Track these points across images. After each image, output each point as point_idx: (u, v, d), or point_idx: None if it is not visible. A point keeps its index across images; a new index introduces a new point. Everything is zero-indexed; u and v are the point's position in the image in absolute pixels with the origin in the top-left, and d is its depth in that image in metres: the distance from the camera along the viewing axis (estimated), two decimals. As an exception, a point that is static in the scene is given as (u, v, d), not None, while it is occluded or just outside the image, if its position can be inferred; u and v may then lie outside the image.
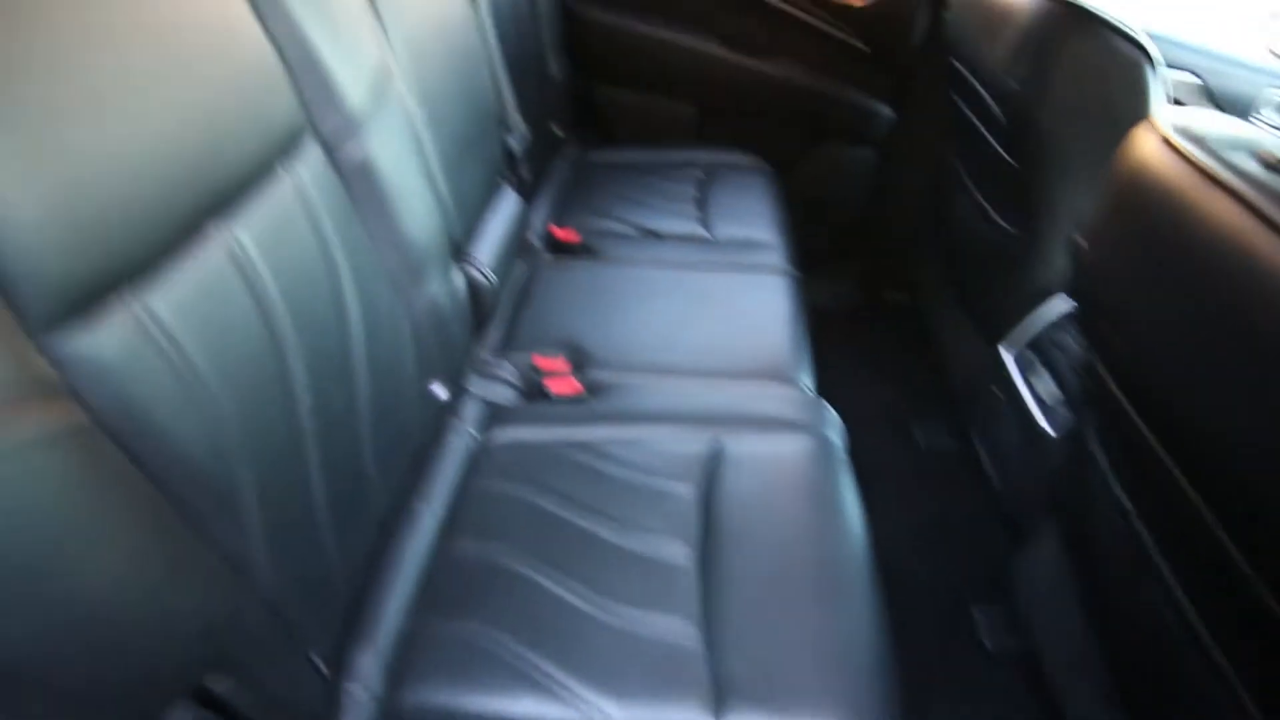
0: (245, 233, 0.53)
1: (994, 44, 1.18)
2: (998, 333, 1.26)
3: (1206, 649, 0.62)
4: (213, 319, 0.50)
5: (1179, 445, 0.64)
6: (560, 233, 1.25)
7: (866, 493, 1.23)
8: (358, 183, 0.68)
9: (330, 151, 0.65)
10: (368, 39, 0.71)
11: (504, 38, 1.18)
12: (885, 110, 1.65)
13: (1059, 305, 1.13)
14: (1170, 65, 1.54)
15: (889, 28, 1.57)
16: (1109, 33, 0.98)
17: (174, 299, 0.46)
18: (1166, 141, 0.66)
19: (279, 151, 0.58)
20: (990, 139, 1.24)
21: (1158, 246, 0.66)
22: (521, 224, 1.16)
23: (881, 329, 1.80)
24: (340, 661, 0.64)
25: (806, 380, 1.02)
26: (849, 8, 1.57)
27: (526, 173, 1.20)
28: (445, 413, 0.89)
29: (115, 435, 0.41)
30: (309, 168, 0.61)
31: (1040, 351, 1.15)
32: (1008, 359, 1.18)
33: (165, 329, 0.45)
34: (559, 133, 1.52)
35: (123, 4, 0.46)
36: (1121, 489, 0.78)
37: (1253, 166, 0.58)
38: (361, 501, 0.69)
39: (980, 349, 1.32)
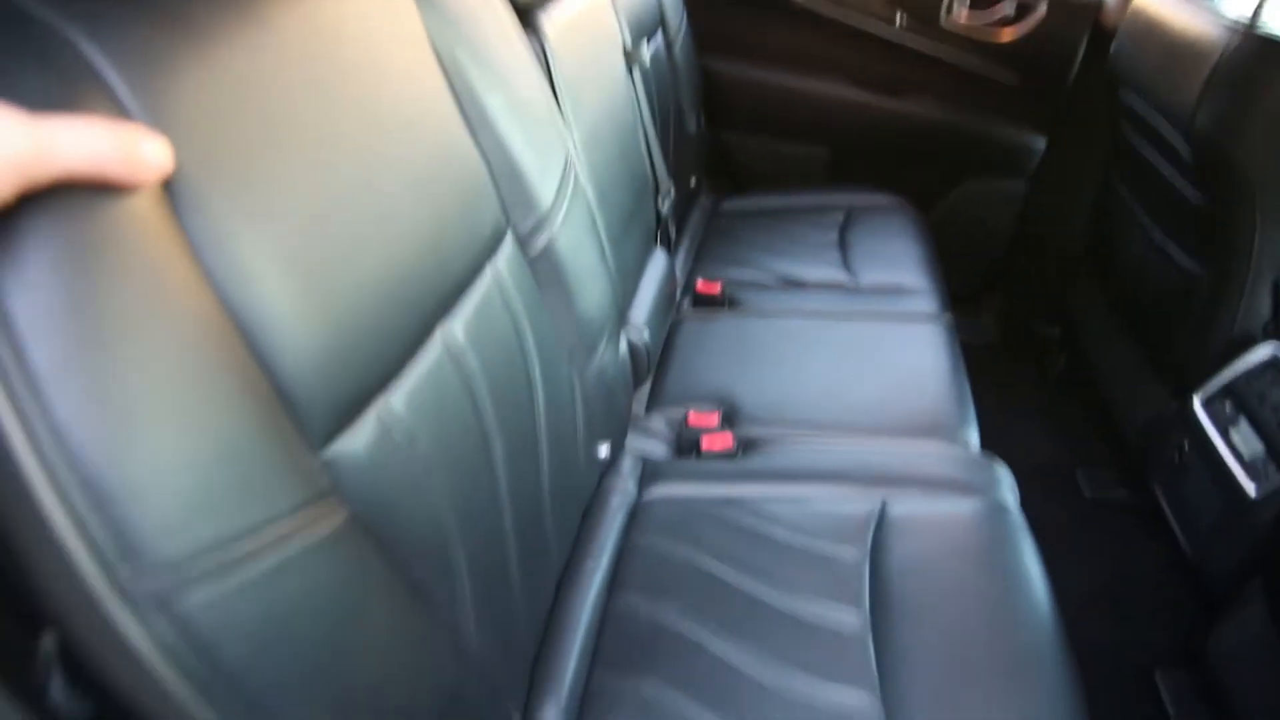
0: (459, 327, 0.59)
1: (1177, 76, 1.10)
2: (1181, 378, 1.16)
3: None
4: (436, 409, 0.55)
5: None
6: (704, 286, 1.28)
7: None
8: (543, 269, 0.74)
9: (522, 244, 0.71)
10: (555, 138, 0.77)
11: (650, 98, 1.24)
12: (1038, 141, 1.57)
13: (1261, 352, 1.02)
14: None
15: (1043, 59, 1.51)
16: None
17: (408, 396, 0.52)
18: None
19: (488, 253, 0.64)
20: (1170, 174, 1.15)
21: None
22: (670, 281, 1.20)
23: (1032, 366, 1.69)
24: (530, 713, 0.68)
25: (972, 436, 0.98)
26: (993, 43, 1.52)
27: (675, 232, 1.24)
28: (606, 471, 0.93)
29: (370, 529, 0.46)
30: (507, 262, 0.67)
31: (1239, 402, 1.04)
32: (1200, 411, 1.08)
33: (403, 425, 0.51)
34: (694, 184, 1.57)
35: (364, 119, 0.51)
36: None
37: None
38: (544, 560, 0.74)
39: (1159, 394, 1.22)
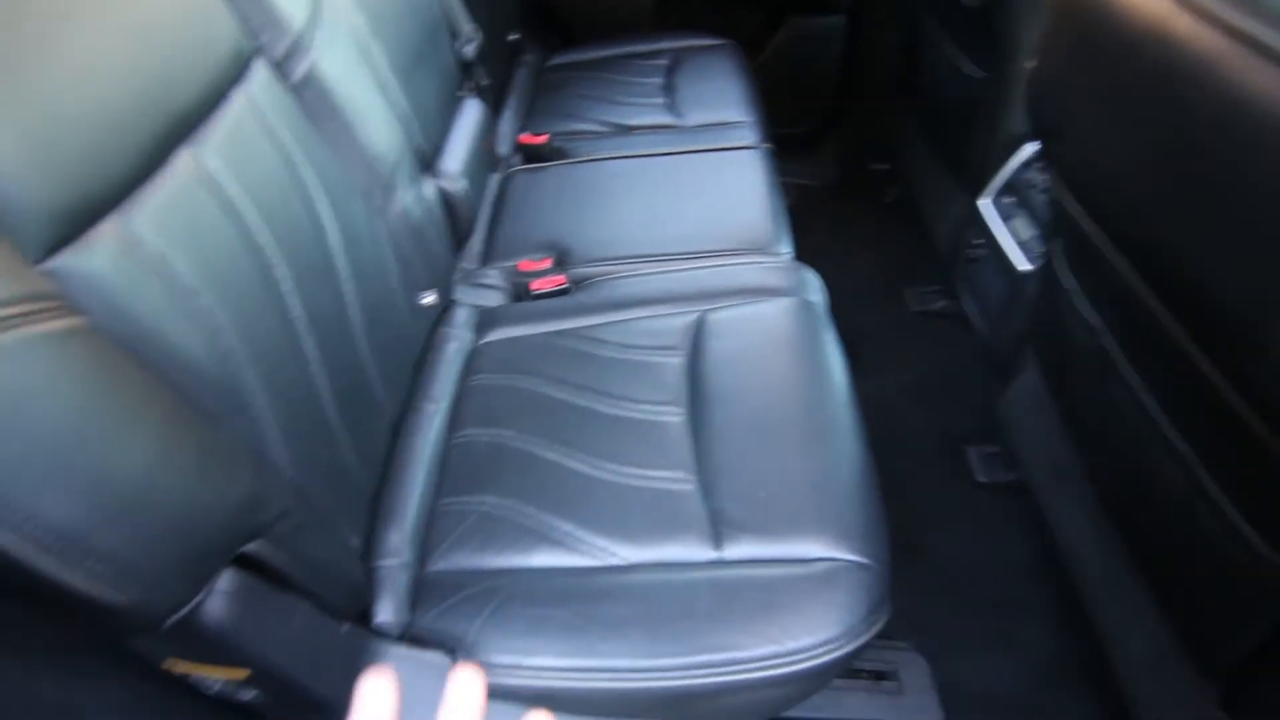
0: (212, 155, 0.56)
1: None
2: (977, 184, 1.27)
3: (1171, 442, 0.66)
4: (193, 235, 0.53)
5: (1139, 256, 0.67)
6: (529, 139, 1.25)
7: (860, 355, 1.28)
8: (311, 98, 0.70)
9: (280, 70, 0.67)
10: None
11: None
12: None
13: (1030, 147, 1.13)
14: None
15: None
16: None
17: (154, 220, 0.50)
18: None
19: (230, 76, 0.60)
20: None
21: (1100, 57, 0.66)
22: (488, 133, 1.16)
23: (867, 200, 1.80)
24: (371, 542, 0.70)
25: (786, 248, 1.04)
26: None
27: (486, 79, 1.19)
28: (439, 322, 0.93)
29: (119, 341, 0.45)
30: (261, 88, 0.63)
31: (1018, 195, 1.16)
32: (986, 209, 1.19)
33: (149, 247, 0.49)
34: (518, 39, 1.49)
35: None
36: (1091, 307, 0.81)
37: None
38: (369, 403, 0.74)
39: (961, 203, 1.33)
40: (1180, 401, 0.66)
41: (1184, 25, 0.52)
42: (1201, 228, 0.56)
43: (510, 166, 1.24)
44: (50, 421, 0.38)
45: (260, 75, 0.64)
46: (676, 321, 0.90)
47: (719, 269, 0.99)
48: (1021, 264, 1.09)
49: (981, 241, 1.21)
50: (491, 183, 1.19)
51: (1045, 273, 0.95)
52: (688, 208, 1.10)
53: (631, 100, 1.37)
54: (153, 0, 0.54)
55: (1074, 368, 0.88)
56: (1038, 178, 1.09)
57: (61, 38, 0.46)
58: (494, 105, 1.31)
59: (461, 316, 0.96)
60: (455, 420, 0.83)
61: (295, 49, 0.68)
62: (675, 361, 0.85)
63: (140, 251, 0.49)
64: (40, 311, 0.39)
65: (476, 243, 1.09)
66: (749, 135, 1.26)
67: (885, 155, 1.79)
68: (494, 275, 1.04)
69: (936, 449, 1.25)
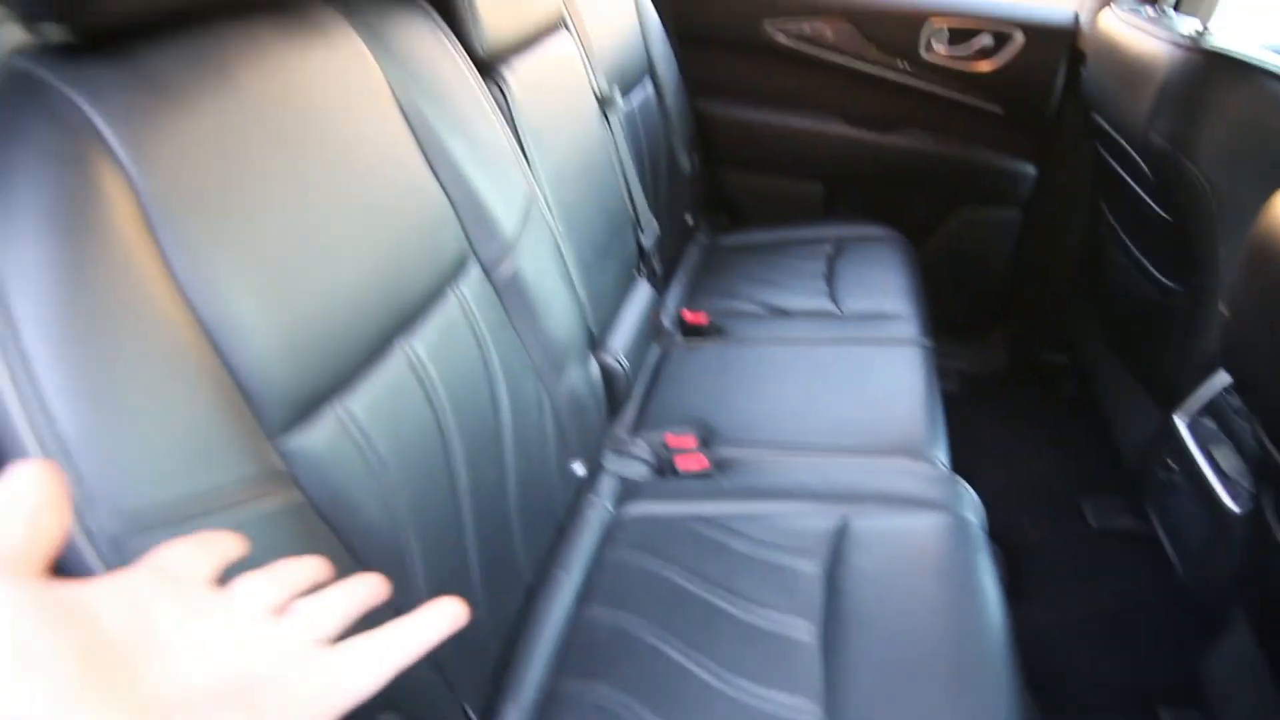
0: (420, 344, 0.66)
1: (1136, 97, 1.13)
2: (1170, 398, 1.15)
3: None
4: (394, 416, 0.62)
5: None
6: (690, 316, 1.33)
7: (1030, 578, 1.16)
8: (509, 293, 0.80)
9: (487, 271, 0.78)
10: (516, 173, 0.84)
11: (636, 142, 1.31)
12: (1028, 169, 1.60)
13: (1236, 369, 1.02)
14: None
15: (1024, 88, 1.54)
16: (1263, 78, 0.92)
17: (367, 402, 0.59)
18: None
19: (449, 276, 0.71)
20: (1140, 193, 1.17)
21: None
22: (653, 311, 1.25)
23: (1040, 393, 1.68)
24: (489, 713, 0.71)
25: (940, 456, 0.99)
26: (977, 74, 1.56)
27: (658, 264, 1.30)
28: (584, 488, 0.98)
29: (323, 513, 0.52)
30: (471, 287, 0.74)
31: (1219, 419, 1.03)
32: (1182, 428, 1.07)
33: (360, 426, 0.58)
34: (690, 221, 1.63)
35: (326, 161, 0.59)
36: None
37: None
38: (510, 567, 0.78)
39: (1152, 416, 1.21)
40: None
41: None
42: None
43: (670, 340, 1.32)
44: None
45: (473, 274, 0.75)
46: (817, 523, 0.88)
47: (867, 470, 0.97)
48: (1228, 502, 0.95)
49: (1175, 466, 1.08)
50: (650, 354, 1.27)
51: (1256, 519, 0.83)
52: (839, 400, 1.10)
53: (792, 284, 1.43)
54: (397, 209, 0.66)
55: None
56: (1243, 406, 0.98)
57: (319, 242, 0.56)
58: (662, 281, 1.43)
59: (606, 485, 1.00)
60: (586, 594, 0.85)
61: (503, 252, 0.79)
62: (812, 569, 0.82)
63: (351, 430, 0.57)
64: (272, 487, 0.47)
65: (629, 412, 1.16)
66: (909, 329, 1.26)
67: (1061, 347, 1.69)
68: (641, 446, 1.08)
69: (1120, 705, 1.06)
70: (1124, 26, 1.22)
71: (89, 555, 0.39)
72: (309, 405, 0.53)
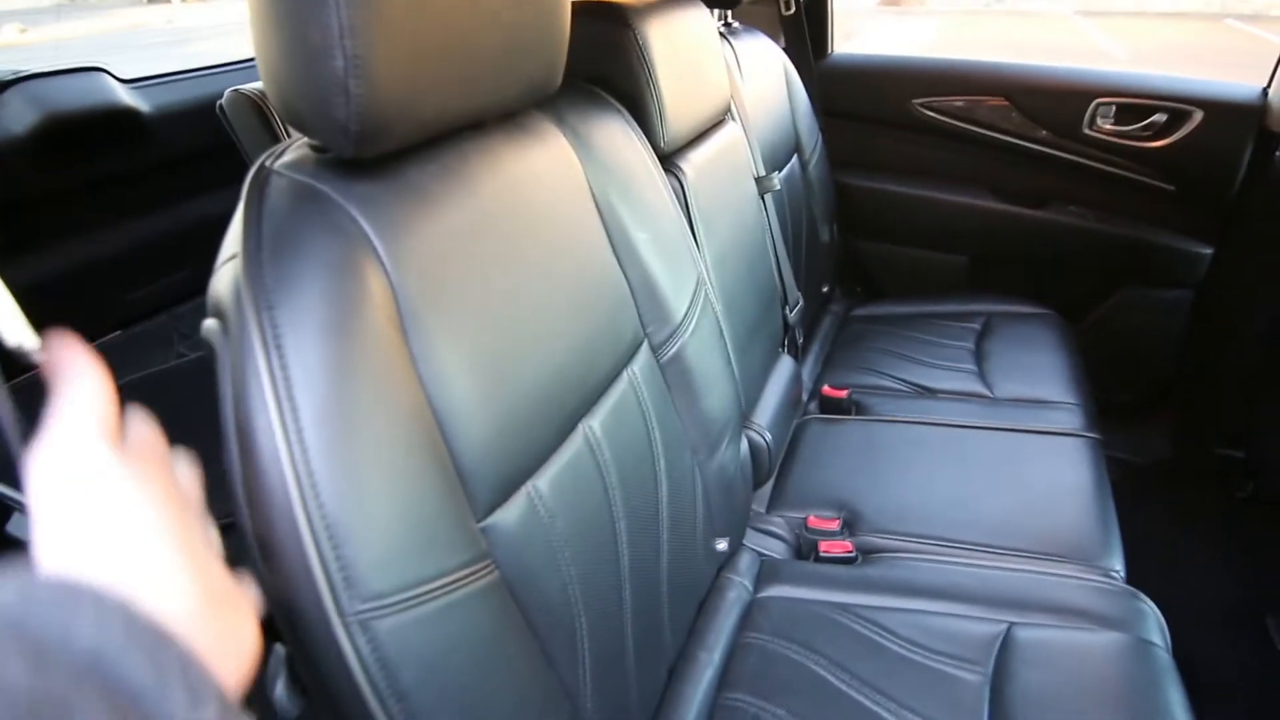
0: (597, 423, 0.69)
1: None
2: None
3: None
4: (573, 493, 0.64)
5: None
6: (831, 391, 1.32)
7: (1210, 709, 1.03)
8: (673, 373, 0.83)
9: (656, 353, 0.81)
10: (689, 262, 0.88)
11: (782, 216, 1.34)
12: (1202, 249, 1.48)
13: None
14: None
15: (1202, 167, 1.45)
16: None
17: (552, 481, 0.62)
18: None
19: (626, 360, 0.74)
20: None
21: None
22: (796, 386, 1.25)
23: (1213, 491, 1.52)
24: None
25: (1115, 565, 0.92)
26: (1146, 149, 1.48)
27: (802, 338, 1.30)
28: (724, 567, 0.97)
29: (513, 590, 0.55)
30: (641, 367, 0.77)
31: None
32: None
33: (546, 504, 0.61)
34: (827, 290, 1.63)
35: (538, 254, 0.64)
36: None
37: None
38: (658, 644, 0.79)
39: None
40: None
41: None
42: None
43: (807, 414, 1.31)
44: (463, 673, 0.48)
45: (644, 357, 0.79)
46: (977, 629, 0.83)
47: (1032, 575, 0.91)
48: None
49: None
50: (793, 430, 1.26)
51: None
52: (998, 493, 1.04)
53: (937, 362, 1.38)
54: (590, 302, 0.70)
55: None
56: None
57: (527, 338, 0.61)
58: (804, 352, 1.42)
59: (745, 563, 0.99)
60: (726, 677, 0.84)
61: (672, 334, 0.82)
62: (974, 679, 0.77)
63: (539, 509, 0.60)
64: (480, 568, 0.51)
65: (767, 487, 1.15)
66: (1073, 420, 1.18)
67: (1238, 441, 1.52)
68: (780, 524, 1.07)
69: None
70: None
71: (342, 637, 0.43)
72: (509, 486, 0.57)
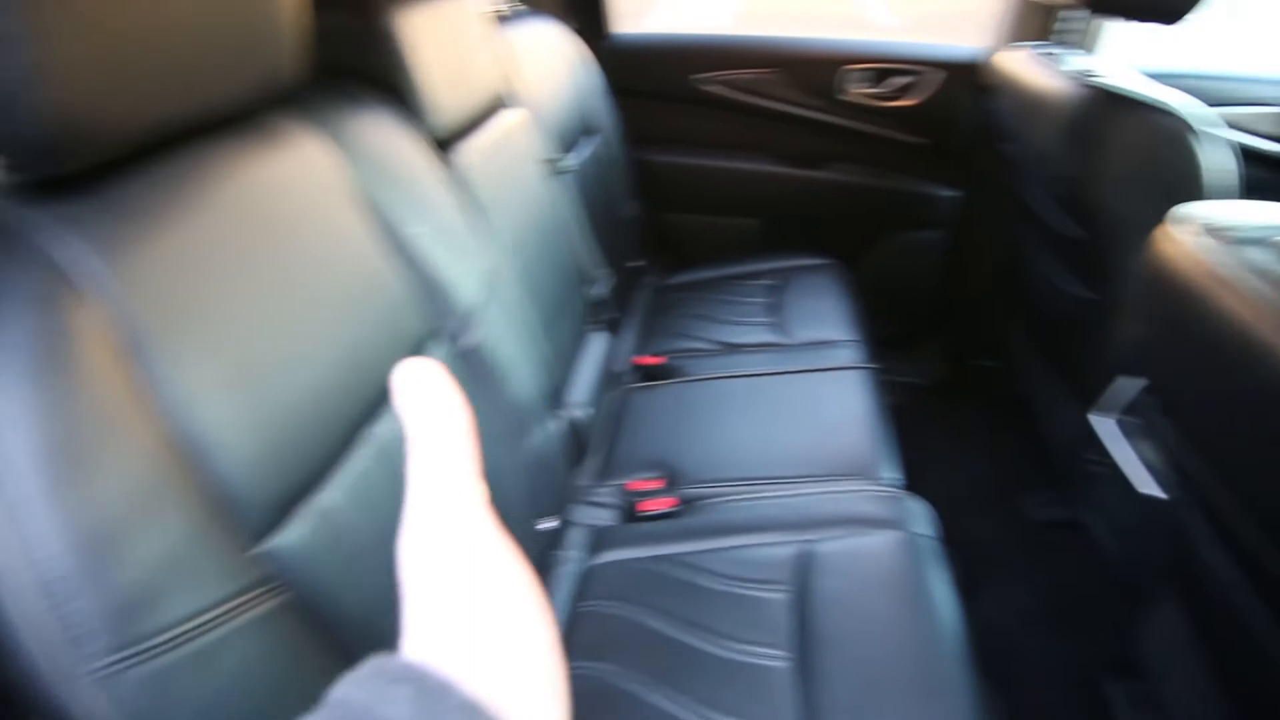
0: (387, 429, 0.67)
1: (1035, 131, 1.23)
2: (1091, 398, 1.24)
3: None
4: (371, 502, 0.63)
5: (1264, 517, 0.64)
6: (645, 360, 1.38)
7: (979, 572, 1.22)
8: (473, 363, 0.83)
9: (452, 343, 0.80)
10: (477, 249, 0.88)
11: (584, 195, 1.37)
12: (950, 194, 1.71)
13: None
14: (1251, 102, 1.53)
15: (940, 120, 1.66)
16: (1147, 112, 1.02)
17: (343, 493, 0.60)
18: (1188, 236, 0.70)
19: (410, 357, 0.74)
20: (1053, 213, 1.27)
21: (1185, 338, 0.69)
22: (610, 359, 1.30)
23: (978, 399, 1.78)
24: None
25: (891, 474, 1.05)
26: (898, 109, 1.68)
27: (612, 311, 1.35)
28: (553, 545, 1.00)
29: (312, 608, 0.53)
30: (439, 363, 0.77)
31: (1134, 414, 1.12)
32: (1101, 426, 1.16)
33: (338, 518, 0.59)
34: (639, 265, 1.69)
35: (289, 265, 0.61)
36: (1224, 554, 0.76)
37: (1272, 260, 0.61)
38: None
39: (1076, 414, 1.30)
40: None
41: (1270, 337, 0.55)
42: None
43: (627, 384, 1.36)
44: (253, 703, 0.46)
45: (437, 352, 0.78)
46: (781, 552, 0.92)
47: (824, 495, 1.02)
48: (1150, 490, 1.03)
49: (1100, 459, 1.17)
50: (608, 400, 1.31)
51: (1178, 505, 0.90)
52: (793, 429, 1.15)
53: (739, 319, 1.49)
54: (360, 300, 0.67)
55: (1220, 618, 0.81)
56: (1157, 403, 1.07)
57: (290, 355, 0.58)
58: (617, 326, 1.48)
59: (576, 538, 1.03)
60: (565, 648, 0.87)
61: (466, 324, 0.82)
62: (780, 598, 0.86)
63: (332, 525, 0.58)
64: (262, 592, 0.49)
65: (594, 461, 1.19)
66: (853, 355, 1.33)
67: (993, 353, 1.79)
68: (607, 494, 1.12)
69: (1067, 682, 1.13)
70: (1021, 66, 1.33)
71: (79, 698, 0.40)
72: (287, 505, 0.55)
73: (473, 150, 0.99)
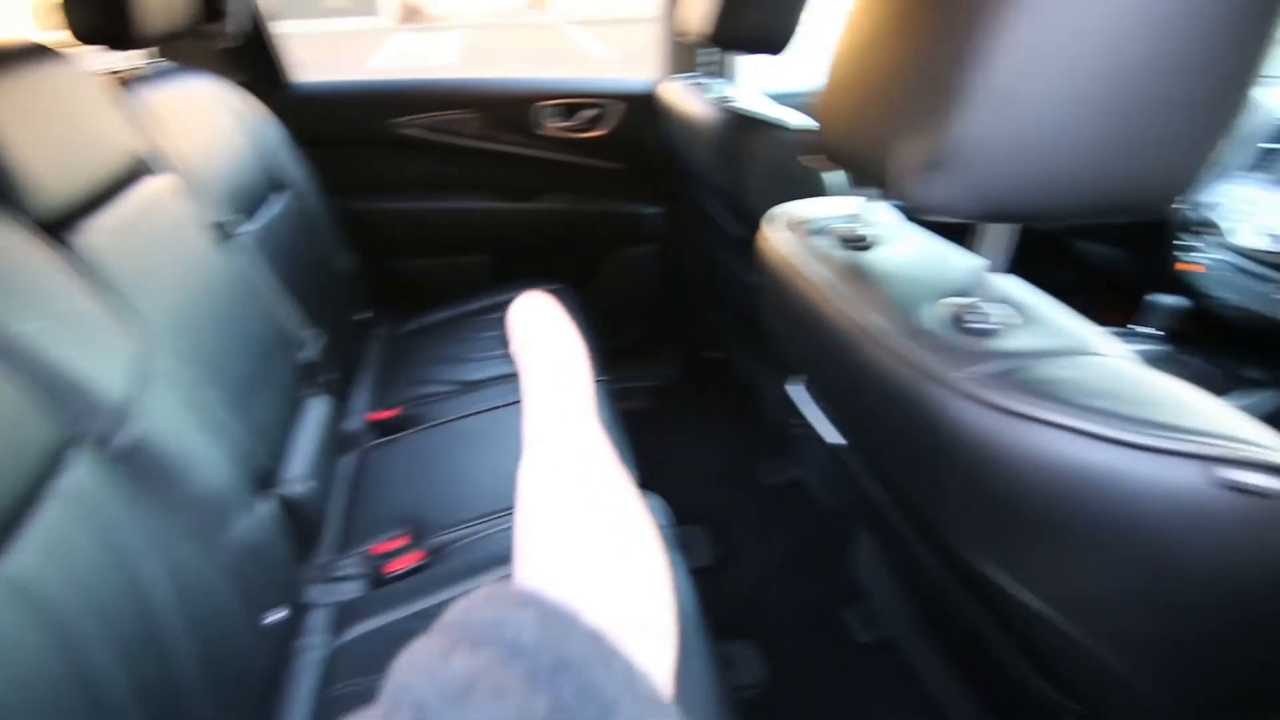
0: (21, 565, 0.58)
1: (694, 150, 1.41)
2: (784, 368, 1.45)
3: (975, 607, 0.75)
4: (30, 650, 0.54)
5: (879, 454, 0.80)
6: (378, 415, 1.33)
7: (727, 538, 1.34)
8: (137, 465, 0.74)
9: (103, 446, 0.71)
10: (114, 333, 0.78)
11: (282, 255, 1.28)
12: (652, 210, 1.88)
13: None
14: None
15: (634, 146, 1.82)
16: (769, 129, 1.21)
17: None
18: (776, 232, 0.84)
19: (43, 475, 0.63)
20: (723, 218, 1.45)
21: (787, 321, 0.84)
22: (334, 423, 1.23)
23: (711, 390, 1.98)
24: None
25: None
26: (594, 139, 1.80)
27: (332, 373, 1.28)
28: (289, 635, 0.93)
29: None
30: (79, 476, 0.67)
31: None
32: (794, 393, 1.35)
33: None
34: (369, 318, 1.63)
35: None
36: (880, 487, 0.93)
37: (829, 245, 0.76)
38: None
39: (782, 387, 1.50)
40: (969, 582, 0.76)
41: (825, 311, 0.68)
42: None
43: (365, 444, 1.30)
44: None
45: (79, 463, 0.68)
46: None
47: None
48: (834, 438, 1.22)
49: (800, 422, 1.36)
50: (345, 465, 1.25)
51: (849, 451, 1.08)
52: (532, 456, 1.19)
53: (477, 356, 1.50)
54: None
55: (890, 539, 0.98)
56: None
57: None
58: (345, 386, 1.40)
59: (317, 621, 0.96)
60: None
61: (118, 422, 0.73)
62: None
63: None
64: None
65: (332, 533, 1.12)
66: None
67: (715, 346, 2.00)
68: (351, 565, 1.06)
69: (813, 615, 1.31)
70: (678, 95, 1.51)
71: None
72: None
73: (101, 229, 0.88)
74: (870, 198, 0.75)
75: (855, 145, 0.60)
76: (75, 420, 0.70)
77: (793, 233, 0.80)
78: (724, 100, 1.34)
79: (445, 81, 1.77)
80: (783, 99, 1.36)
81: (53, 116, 0.87)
